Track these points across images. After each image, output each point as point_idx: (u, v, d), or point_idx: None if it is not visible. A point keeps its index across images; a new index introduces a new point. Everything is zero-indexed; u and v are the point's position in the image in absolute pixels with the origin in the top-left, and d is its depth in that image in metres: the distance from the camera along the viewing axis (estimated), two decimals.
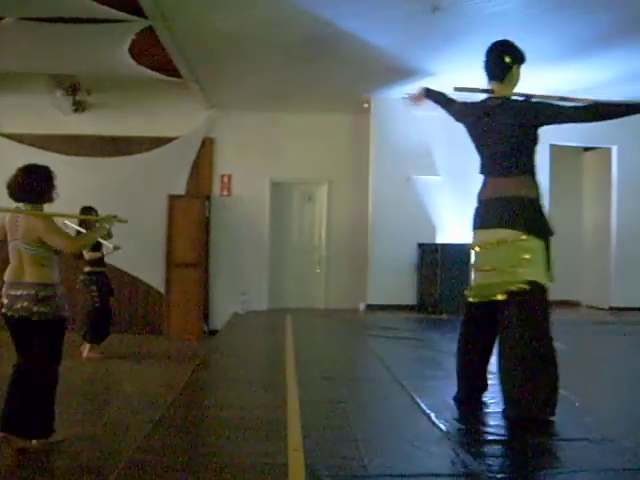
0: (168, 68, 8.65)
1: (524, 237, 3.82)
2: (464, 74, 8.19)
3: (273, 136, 10.77)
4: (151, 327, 10.54)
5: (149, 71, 8.81)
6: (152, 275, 10.45)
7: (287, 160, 10.76)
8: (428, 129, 9.70)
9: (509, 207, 3.88)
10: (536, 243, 3.83)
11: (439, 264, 9.30)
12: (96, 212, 7.81)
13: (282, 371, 5.17)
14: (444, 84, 9.49)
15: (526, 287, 3.75)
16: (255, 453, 3.23)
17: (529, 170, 3.95)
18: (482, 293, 4.01)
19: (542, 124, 3.89)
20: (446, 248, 9.32)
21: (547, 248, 3.88)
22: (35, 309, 4.27)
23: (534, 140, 3.94)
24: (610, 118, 3.81)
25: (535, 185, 3.96)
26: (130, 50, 7.89)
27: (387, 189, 9.97)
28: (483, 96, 4.13)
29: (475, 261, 4.21)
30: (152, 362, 8.39)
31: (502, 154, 3.94)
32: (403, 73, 8.75)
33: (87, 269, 8.18)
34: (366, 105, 10.13)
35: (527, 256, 3.80)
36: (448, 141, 9.46)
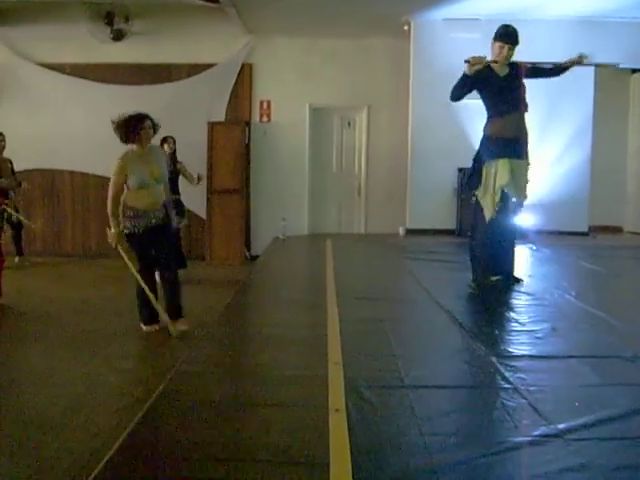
0: None
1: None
2: None
3: (312, 61, 10.67)
4: (194, 253, 10.73)
5: None
6: (194, 201, 10.58)
7: (326, 85, 10.67)
8: (469, 51, 9.45)
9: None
10: None
11: None
12: (173, 140, 8.24)
13: (322, 292, 5.27)
14: (484, 5, 9.25)
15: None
16: (296, 366, 3.37)
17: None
18: None
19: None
20: None
21: None
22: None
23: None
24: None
25: None
26: None
27: (427, 113, 9.81)
28: None
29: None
30: (196, 286, 8.58)
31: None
32: None
33: None
34: (406, 28, 9.91)
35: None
36: None
